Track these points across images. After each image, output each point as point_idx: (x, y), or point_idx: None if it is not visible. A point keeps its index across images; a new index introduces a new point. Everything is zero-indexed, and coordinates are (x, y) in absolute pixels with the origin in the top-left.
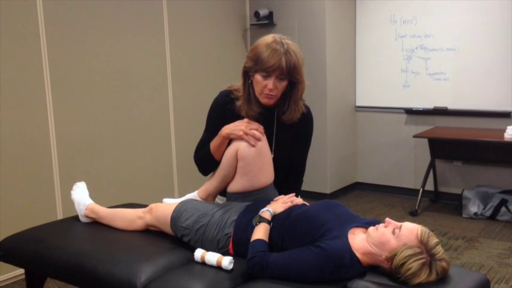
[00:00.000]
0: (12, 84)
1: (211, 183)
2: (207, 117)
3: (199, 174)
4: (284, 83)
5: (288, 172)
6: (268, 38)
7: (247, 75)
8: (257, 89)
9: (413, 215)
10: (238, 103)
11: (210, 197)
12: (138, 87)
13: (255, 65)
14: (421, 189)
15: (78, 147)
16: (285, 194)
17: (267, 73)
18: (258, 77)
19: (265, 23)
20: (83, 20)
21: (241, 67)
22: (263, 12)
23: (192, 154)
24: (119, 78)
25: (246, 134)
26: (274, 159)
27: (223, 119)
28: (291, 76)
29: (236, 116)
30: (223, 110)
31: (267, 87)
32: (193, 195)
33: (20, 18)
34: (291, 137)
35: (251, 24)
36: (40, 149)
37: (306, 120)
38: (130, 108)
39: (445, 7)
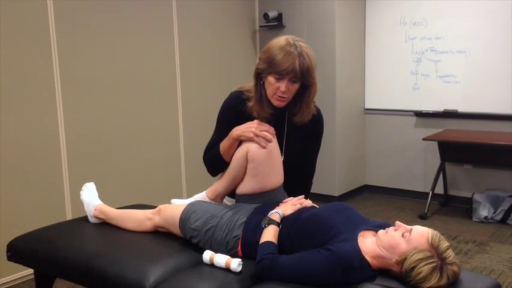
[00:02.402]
0: (22, 85)
1: (220, 184)
2: (217, 117)
3: (208, 175)
4: (296, 86)
5: (298, 174)
6: (281, 40)
7: (259, 76)
8: (269, 91)
9: (422, 219)
10: (250, 104)
11: (218, 198)
12: (148, 89)
13: (268, 67)
14: (431, 193)
15: (88, 148)
16: (295, 196)
17: (280, 76)
18: (270, 79)
19: (275, 24)
20: (93, 21)
21: (251, 69)
22: (272, 14)
23: (201, 155)
24: (128, 79)
25: (257, 135)
26: (284, 160)
27: (234, 119)
28: (303, 79)
29: (247, 117)
30: (234, 111)
31: (279, 89)
32: (202, 195)
33: (30, 19)
34: (301, 138)
35: (260, 26)
36: (50, 150)
37: (317, 121)
38: (140, 109)
39: (455, 9)
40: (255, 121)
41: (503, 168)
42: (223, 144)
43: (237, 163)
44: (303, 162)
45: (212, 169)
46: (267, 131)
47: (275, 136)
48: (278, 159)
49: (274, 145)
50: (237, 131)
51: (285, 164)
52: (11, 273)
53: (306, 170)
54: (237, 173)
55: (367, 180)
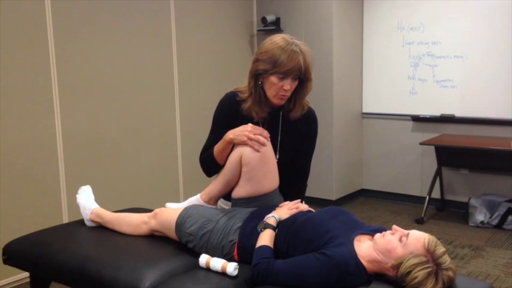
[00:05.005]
0: (19, 87)
1: (214, 186)
2: (213, 118)
3: (205, 178)
4: (296, 82)
5: (293, 175)
6: (279, 40)
7: (258, 77)
8: (271, 91)
9: (419, 223)
10: (246, 105)
11: (212, 201)
12: (145, 92)
13: (272, 68)
14: (428, 197)
15: (84, 151)
16: (290, 197)
17: (285, 75)
18: (273, 79)
19: (272, 28)
20: (91, 24)
21: (248, 72)
22: (270, 18)
23: (198, 158)
24: (125, 82)
25: (250, 139)
26: (278, 161)
27: (229, 119)
28: (303, 76)
29: (242, 117)
30: (228, 111)
31: (283, 88)
32: (196, 198)
33: (28, 20)
34: (295, 138)
35: (258, 30)
36: (46, 153)
37: (311, 121)
38: (137, 112)
39: (452, 14)
40: (249, 124)
41: (499, 173)
42: (217, 147)
43: (231, 167)
44: (297, 163)
45: (207, 170)
46: (261, 135)
47: (269, 139)
48: (273, 162)
49: (268, 149)
50: (231, 134)
51: (280, 164)
52: (6, 276)
53: (301, 170)
54: (231, 176)
55: (364, 184)
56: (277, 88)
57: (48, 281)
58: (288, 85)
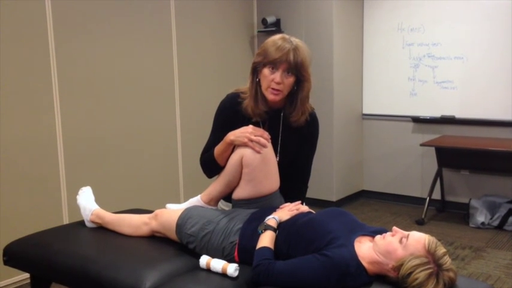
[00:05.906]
0: (20, 88)
1: (214, 187)
2: (213, 119)
3: (206, 179)
4: (291, 79)
5: (293, 177)
6: (277, 36)
7: (255, 71)
8: (264, 84)
9: (419, 224)
10: (245, 102)
11: (212, 202)
12: (146, 93)
13: (263, 59)
14: (428, 198)
15: (85, 152)
16: (290, 199)
17: (274, 65)
18: (265, 71)
19: (273, 30)
20: (91, 24)
21: (249, 73)
22: (270, 19)
23: (198, 159)
24: (126, 83)
25: (251, 140)
26: (279, 163)
27: (230, 120)
28: (297, 72)
29: (242, 118)
30: (229, 111)
31: (274, 80)
32: (196, 199)
33: (28, 20)
34: (296, 140)
35: (258, 31)
36: (47, 154)
37: (312, 123)
38: (137, 112)
39: (453, 16)
40: (250, 126)
41: (500, 174)
42: (218, 148)
43: (231, 168)
44: (298, 164)
45: (207, 171)
46: (262, 136)
47: (270, 141)
48: (273, 164)
49: (269, 150)
50: (232, 135)
51: (281, 166)
52: (7, 277)
53: (302, 172)
54: (232, 177)
55: (365, 185)
56: (269, 81)
57: (49, 282)
58: (279, 78)
